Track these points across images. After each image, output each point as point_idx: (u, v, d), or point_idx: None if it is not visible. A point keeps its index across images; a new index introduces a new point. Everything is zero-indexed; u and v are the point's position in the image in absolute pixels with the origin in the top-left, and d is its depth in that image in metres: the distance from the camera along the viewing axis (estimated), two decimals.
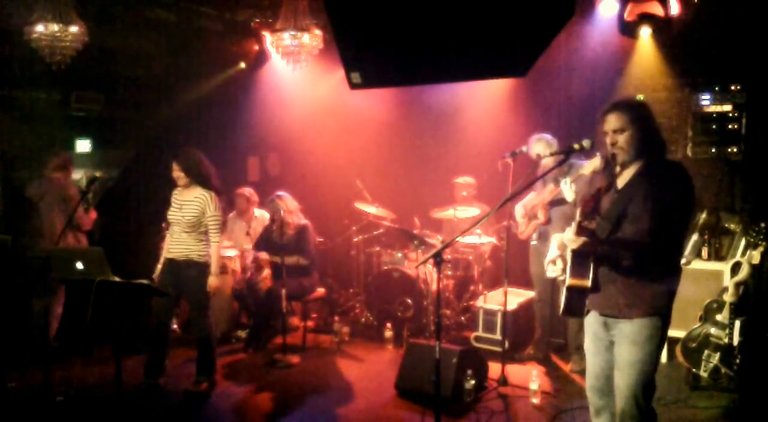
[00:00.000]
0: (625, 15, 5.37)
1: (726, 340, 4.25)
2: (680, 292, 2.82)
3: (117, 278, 3.75)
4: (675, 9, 5.31)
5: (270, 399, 4.53)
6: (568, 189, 4.60)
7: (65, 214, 5.05)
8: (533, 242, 5.15)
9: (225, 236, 6.25)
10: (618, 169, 2.86)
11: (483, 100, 6.59)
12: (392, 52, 2.59)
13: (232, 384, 4.78)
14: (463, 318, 6.00)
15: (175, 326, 5.87)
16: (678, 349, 4.48)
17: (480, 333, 5.46)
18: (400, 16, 2.42)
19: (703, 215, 5.20)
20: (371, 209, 6.39)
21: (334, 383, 4.85)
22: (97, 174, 5.30)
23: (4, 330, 4.75)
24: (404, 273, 5.91)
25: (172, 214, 4.57)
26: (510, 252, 4.83)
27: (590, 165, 4.16)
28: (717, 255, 5.16)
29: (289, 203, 5.57)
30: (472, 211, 5.97)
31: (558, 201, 4.84)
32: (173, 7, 6.39)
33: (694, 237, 5.12)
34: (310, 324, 6.14)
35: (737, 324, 4.23)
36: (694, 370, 4.38)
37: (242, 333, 5.85)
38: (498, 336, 5.25)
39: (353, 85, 2.72)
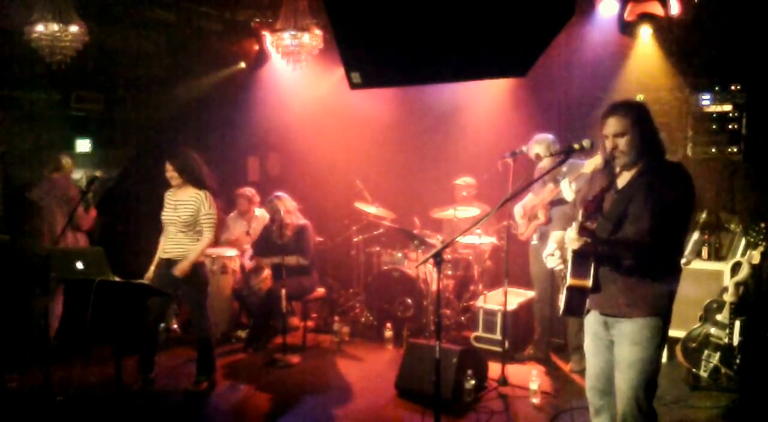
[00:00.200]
0: (625, 15, 5.37)
1: (726, 340, 4.25)
2: (680, 292, 2.82)
3: (117, 278, 3.75)
4: (675, 9, 5.30)
5: (270, 398, 4.53)
6: (568, 189, 4.60)
7: (66, 214, 5.05)
8: (533, 242, 5.15)
9: (225, 235, 6.26)
10: (618, 169, 2.87)
11: (483, 100, 6.59)
12: (392, 52, 2.59)
13: (232, 384, 4.77)
14: (463, 318, 5.99)
15: (175, 326, 5.88)
16: (678, 349, 4.48)
17: (480, 332, 5.46)
18: (400, 16, 2.43)
19: (703, 215, 5.20)
20: (371, 209, 6.39)
21: (334, 383, 4.85)
22: (97, 174, 5.31)
23: (4, 330, 4.75)
24: (404, 273, 5.91)
25: (167, 214, 4.55)
26: (510, 252, 4.83)
27: (591, 163, 4.14)
28: (717, 255, 5.16)
29: (287, 204, 5.57)
30: (472, 211, 5.96)
31: (558, 201, 4.84)
32: (173, 7, 6.39)
33: (694, 237, 5.13)
34: (310, 323, 6.13)
35: (737, 324, 4.23)
36: (694, 370, 4.39)
37: (242, 333, 5.84)
38: (498, 336, 5.25)
39: (353, 85, 2.72)
